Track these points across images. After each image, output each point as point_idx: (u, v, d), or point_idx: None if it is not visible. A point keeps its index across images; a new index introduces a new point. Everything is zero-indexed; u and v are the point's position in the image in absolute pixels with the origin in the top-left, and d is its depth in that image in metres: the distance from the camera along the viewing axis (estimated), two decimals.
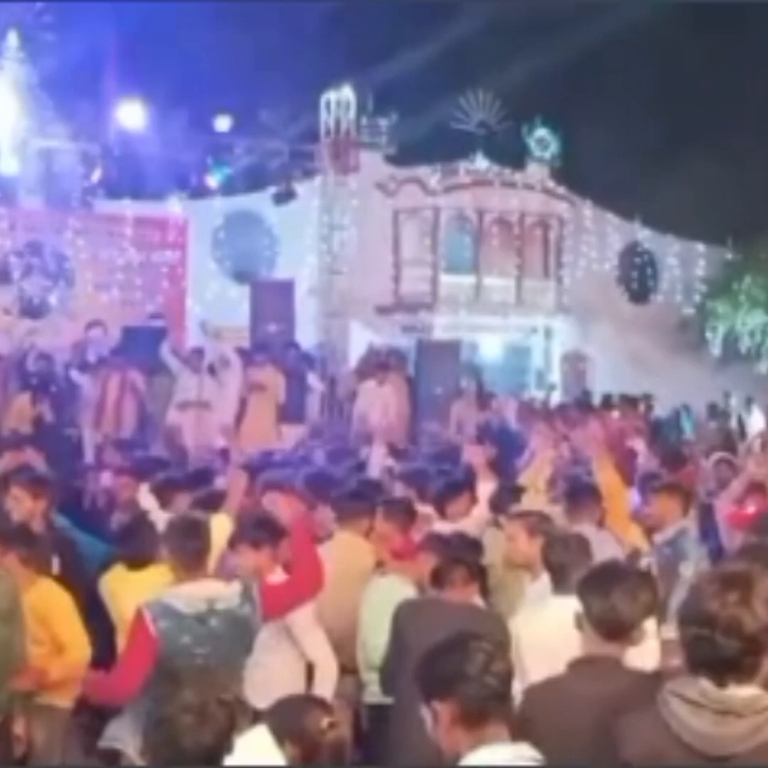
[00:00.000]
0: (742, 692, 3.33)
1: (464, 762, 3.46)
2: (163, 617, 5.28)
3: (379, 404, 16.94)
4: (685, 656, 3.44)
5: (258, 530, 6.14)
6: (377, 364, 18.54)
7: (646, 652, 4.64)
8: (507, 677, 3.62)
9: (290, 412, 16.38)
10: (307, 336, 21.22)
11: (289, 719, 3.89)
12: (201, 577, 5.48)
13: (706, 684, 3.34)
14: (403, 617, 5.71)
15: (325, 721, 3.87)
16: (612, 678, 4.14)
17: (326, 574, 5.90)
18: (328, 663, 6.13)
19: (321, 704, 4.17)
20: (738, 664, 3.33)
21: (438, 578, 5.82)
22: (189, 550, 5.50)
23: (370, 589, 6.65)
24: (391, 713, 5.72)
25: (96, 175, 22.33)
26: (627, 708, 3.67)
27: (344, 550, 7.19)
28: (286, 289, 20.74)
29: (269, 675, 5.77)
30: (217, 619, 5.36)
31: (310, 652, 6.13)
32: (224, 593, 5.45)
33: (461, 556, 6.06)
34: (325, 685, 6.01)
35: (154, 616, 5.28)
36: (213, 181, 23.25)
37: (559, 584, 5.45)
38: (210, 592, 5.41)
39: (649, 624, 4.73)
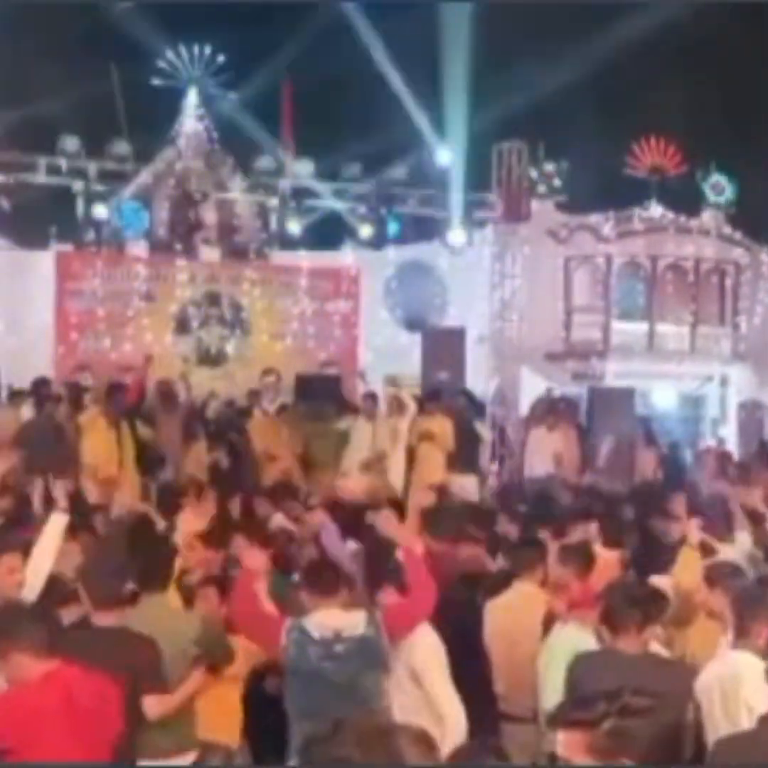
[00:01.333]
0: None
1: None
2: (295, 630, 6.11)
3: (550, 450, 16.84)
4: None
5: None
6: (546, 409, 18.43)
7: None
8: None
9: (461, 460, 16.33)
10: (477, 383, 21.23)
11: None
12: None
13: None
14: (577, 671, 5.64)
15: None
16: None
17: (502, 625, 6.00)
18: (458, 718, 6.16)
19: None
20: None
21: (610, 623, 5.72)
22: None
23: (550, 638, 6.58)
24: None
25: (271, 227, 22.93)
26: None
27: (521, 600, 7.17)
28: (457, 336, 20.82)
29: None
30: (343, 644, 6.02)
31: (441, 704, 6.17)
32: (349, 622, 6.06)
33: (635, 599, 5.93)
34: (451, 740, 5.98)
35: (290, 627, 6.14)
36: (386, 230, 23.57)
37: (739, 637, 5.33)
38: (337, 623, 6.05)
39: None
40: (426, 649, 6.42)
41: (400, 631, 6.14)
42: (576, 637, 6.17)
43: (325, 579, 6.25)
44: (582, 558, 7.15)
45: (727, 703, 4.60)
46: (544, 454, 16.91)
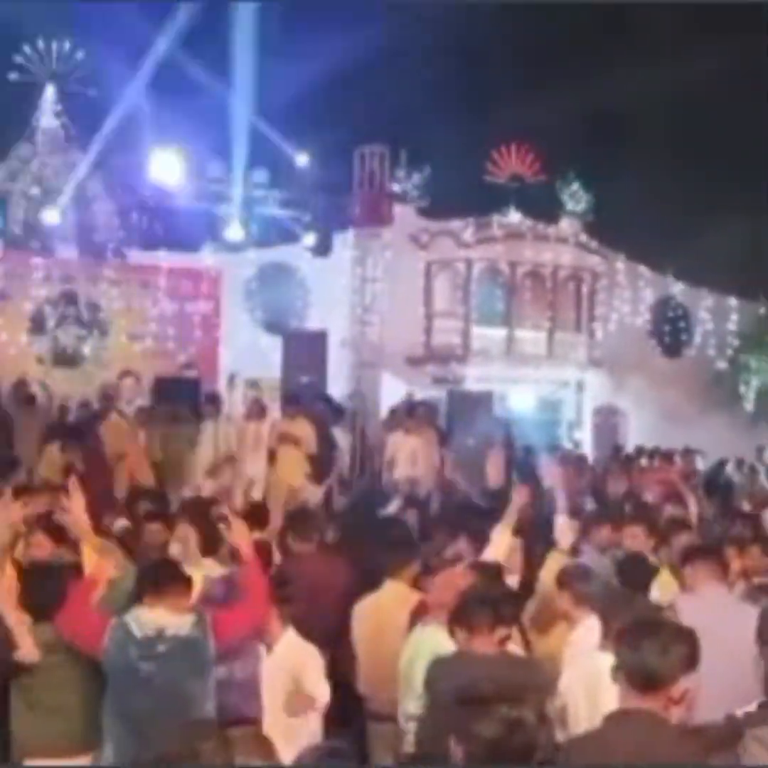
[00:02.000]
0: None
1: None
2: (118, 626, 5.90)
3: (407, 453, 16.90)
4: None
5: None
6: (405, 413, 18.51)
7: None
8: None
9: (321, 465, 16.29)
10: (338, 387, 21.24)
11: None
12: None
13: None
14: (432, 672, 5.65)
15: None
16: (649, 732, 4.07)
17: (370, 623, 5.99)
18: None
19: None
20: None
21: (462, 623, 5.73)
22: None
23: (411, 638, 6.58)
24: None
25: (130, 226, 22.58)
26: (664, 762, 3.62)
27: (390, 600, 7.18)
28: (318, 340, 20.82)
29: None
30: (165, 644, 5.82)
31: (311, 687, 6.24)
32: (174, 622, 5.89)
33: (486, 599, 5.96)
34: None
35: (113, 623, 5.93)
36: (246, 232, 23.41)
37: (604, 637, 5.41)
38: (161, 621, 5.88)
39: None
40: (299, 652, 6.43)
41: (227, 639, 6.05)
42: (437, 638, 6.17)
43: (161, 577, 6.12)
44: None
45: (590, 703, 4.64)
46: (402, 458, 16.96)
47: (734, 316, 27.68)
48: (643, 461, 19.35)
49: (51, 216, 21.35)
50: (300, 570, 7.74)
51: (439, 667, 5.67)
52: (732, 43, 21.91)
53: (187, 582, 6.20)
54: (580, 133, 24.12)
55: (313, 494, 14.58)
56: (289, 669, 6.46)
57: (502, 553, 7.60)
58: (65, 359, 21.91)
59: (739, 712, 3.70)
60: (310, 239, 23.28)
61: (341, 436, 18.10)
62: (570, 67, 24.25)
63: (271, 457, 15.96)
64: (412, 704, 6.15)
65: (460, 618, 5.78)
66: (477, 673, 5.34)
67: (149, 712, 5.63)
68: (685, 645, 4.30)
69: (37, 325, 21.83)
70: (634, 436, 24.97)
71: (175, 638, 5.82)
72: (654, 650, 4.19)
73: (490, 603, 5.85)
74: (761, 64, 23.44)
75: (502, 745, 3.46)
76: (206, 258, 23.56)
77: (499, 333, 25.16)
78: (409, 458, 16.85)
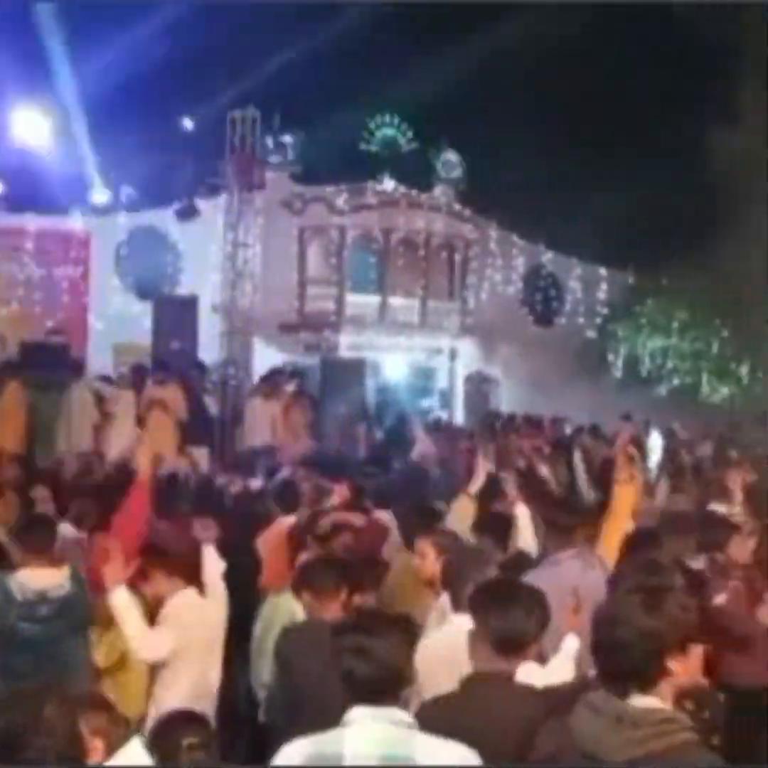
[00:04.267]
0: (641, 702, 3.33)
1: None
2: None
3: (265, 420, 16.79)
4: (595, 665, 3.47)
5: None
6: (263, 379, 18.40)
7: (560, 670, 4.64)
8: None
9: (195, 432, 16.11)
10: (209, 353, 21.03)
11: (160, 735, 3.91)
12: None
13: (607, 693, 3.34)
14: (284, 643, 5.62)
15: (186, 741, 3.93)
16: (506, 695, 4.10)
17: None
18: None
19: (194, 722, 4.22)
20: (638, 674, 3.34)
21: (310, 589, 5.70)
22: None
23: (265, 608, 6.54)
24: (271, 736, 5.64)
25: None
26: (517, 723, 3.68)
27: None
28: (189, 305, 20.55)
29: None
30: (47, 606, 5.84)
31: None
32: (54, 581, 5.91)
33: (331, 563, 5.94)
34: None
35: None
36: (116, 196, 23.00)
37: (456, 602, 5.43)
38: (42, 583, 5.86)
39: (571, 642, 4.74)
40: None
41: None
42: (291, 606, 6.14)
43: (37, 535, 6.07)
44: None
45: (448, 668, 4.66)
46: (260, 424, 16.84)
47: (604, 286, 28.16)
48: (513, 428, 19.57)
49: None
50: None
51: (287, 636, 5.64)
52: (602, 7, 22.16)
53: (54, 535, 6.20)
54: (453, 102, 24.16)
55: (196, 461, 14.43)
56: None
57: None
58: None
59: (591, 673, 3.77)
60: (182, 203, 22.98)
61: (213, 403, 17.94)
62: (444, 34, 24.25)
63: (141, 422, 15.73)
64: (265, 672, 6.13)
65: (303, 582, 5.76)
66: (322, 642, 5.35)
67: (30, 672, 5.58)
68: (543, 607, 4.38)
69: None
70: (505, 403, 25.26)
71: (57, 600, 5.80)
72: (520, 614, 4.25)
73: (334, 565, 5.84)
74: (633, 28, 23.76)
75: (354, 675, 3.65)
76: (75, 222, 23.06)
77: (372, 300, 25.20)
78: (268, 425, 16.73)
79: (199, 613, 5.93)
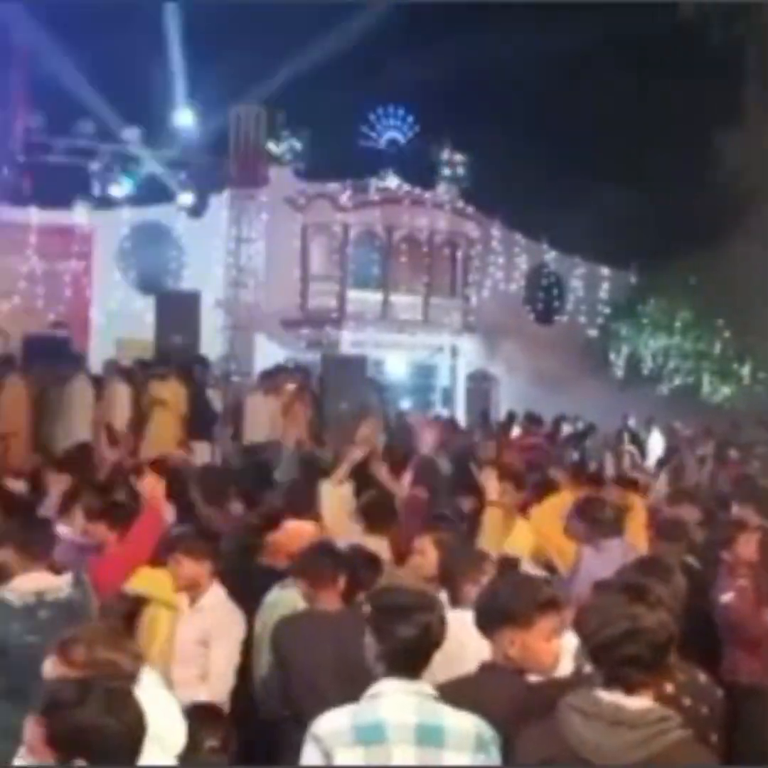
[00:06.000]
0: (635, 703, 3.34)
1: None
2: None
3: (264, 416, 16.79)
4: (591, 665, 3.49)
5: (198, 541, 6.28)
6: (265, 375, 18.40)
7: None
8: None
9: (198, 427, 16.10)
10: (212, 349, 21.07)
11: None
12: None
13: (600, 694, 3.36)
14: (280, 635, 5.63)
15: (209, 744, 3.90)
16: (513, 683, 4.18)
17: None
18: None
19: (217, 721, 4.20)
20: (632, 676, 3.35)
21: (309, 578, 5.71)
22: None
23: (268, 600, 6.51)
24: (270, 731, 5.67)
25: None
26: (523, 714, 3.73)
27: None
28: (191, 301, 20.55)
29: None
30: (47, 609, 5.56)
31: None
32: (53, 584, 5.67)
33: (331, 553, 5.95)
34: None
35: None
36: (120, 191, 23.03)
37: (454, 598, 5.46)
38: (39, 585, 5.63)
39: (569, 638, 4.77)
40: (218, 614, 6.13)
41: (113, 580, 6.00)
42: (294, 599, 6.13)
43: (36, 541, 5.94)
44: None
45: (451, 663, 4.68)
46: (260, 420, 16.84)
47: (605, 285, 28.17)
48: (515, 427, 19.58)
49: None
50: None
51: (282, 626, 5.66)
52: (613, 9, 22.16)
53: (54, 539, 6.10)
54: (458, 100, 24.19)
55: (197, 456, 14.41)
56: (201, 625, 6.20)
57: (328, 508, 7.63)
58: None
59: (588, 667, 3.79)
60: (185, 198, 23.00)
61: (216, 399, 17.92)
62: (450, 33, 24.28)
63: (143, 420, 15.72)
64: (264, 667, 6.12)
65: (299, 570, 5.79)
66: (319, 632, 5.40)
67: (32, 679, 5.40)
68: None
69: None
70: (506, 401, 25.27)
71: (55, 603, 5.65)
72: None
73: (331, 553, 5.86)
74: (638, 35, 23.78)
75: (413, 643, 3.89)
76: (78, 216, 23.08)
77: (374, 297, 25.21)
78: (267, 421, 16.73)
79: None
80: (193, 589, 6.13)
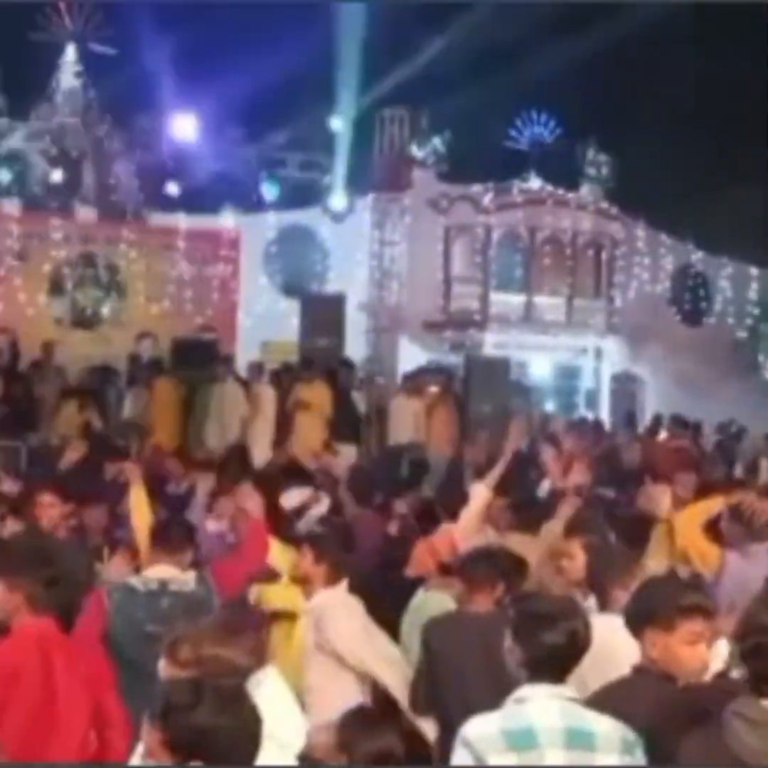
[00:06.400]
0: None
1: None
2: (118, 590, 5.78)
3: (408, 418, 16.79)
4: (747, 669, 3.43)
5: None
6: (408, 377, 18.42)
7: None
8: None
9: (343, 430, 16.18)
10: (356, 351, 21.22)
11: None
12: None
13: (766, 703, 3.31)
14: (430, 634, 5.67)
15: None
16: (663, 686, 4.19)
17: None
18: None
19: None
20: None
21: (461, 573, 5.75)
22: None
23: (412, 604, 6.55)
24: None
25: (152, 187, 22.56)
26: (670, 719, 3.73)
27: None
28: (336, 303, 20.73)
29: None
30: (169, 598, 5.71)
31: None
32: (178, 577, 5.84)
33: (490, 555, 5.97)
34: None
35: (110, 590, 5.80)
36: (266, 195, 23.36)
37: (602, 603, 5.43)
38: (165, 575, 5.82)
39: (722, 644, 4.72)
40: (338, 622, 6.05)
41: (233, 587, 6.12)
42: (440, 602, 6.17)
43: (174, 536, 6.09)
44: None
45: (601, 668, 4.65)
46: (404, 422, 16.84)
47: (754, 285, 27.56)
48: (662, 430, 19.29)
49: (56, 175, 21.48)
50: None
51: (433, 626, 5.71)
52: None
53: (191, 536, 6.28)
54: (601, 99, 23.95)
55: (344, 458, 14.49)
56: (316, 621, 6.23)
57: (476, 510, 7.61)
58: (83, 321, 21.97)
59: (735, 673, 3.74)
60: (338, 202, 23.22)
61: (360, 401, 18.02)
62: (593, 32, 24.02)
63: (289, 422, 15.88)
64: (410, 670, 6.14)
65: (459, 571, 5.86)
66: (469, 633, 5.42)
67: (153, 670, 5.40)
68: None
69: (56, 287, 21.87)
70: (652, 403, 24.91)
71: (178, 594, 5.76)
72: None
73: (492, 558, 5.89)
74: None
75: (560, 650, 3.91)
76: (226, 220, 23.50)
77: (517, 299, 25.10)
78: (411, 423, 16.73)
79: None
80: (304, 583, 6.25)
